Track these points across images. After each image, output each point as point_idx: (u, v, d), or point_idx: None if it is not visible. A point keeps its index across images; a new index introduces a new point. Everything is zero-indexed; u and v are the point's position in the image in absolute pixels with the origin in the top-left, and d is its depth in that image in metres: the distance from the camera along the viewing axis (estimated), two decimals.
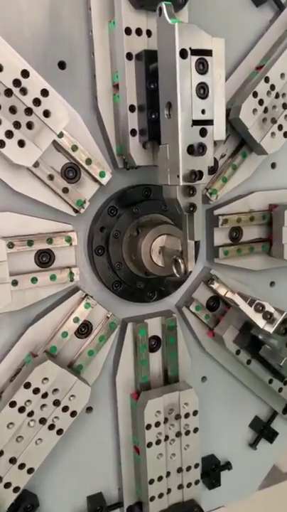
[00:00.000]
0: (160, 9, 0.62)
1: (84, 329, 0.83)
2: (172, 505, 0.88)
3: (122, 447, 0.90)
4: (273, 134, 0.86)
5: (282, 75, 0.84)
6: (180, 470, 0.88)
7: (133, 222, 0.83)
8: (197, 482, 0.90)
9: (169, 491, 0.88)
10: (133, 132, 0.73)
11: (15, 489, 0.77)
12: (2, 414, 0.74)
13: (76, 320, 0.80)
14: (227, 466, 1.03)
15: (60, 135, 0.73)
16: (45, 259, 0.78)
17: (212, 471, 1.00)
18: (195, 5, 0.76)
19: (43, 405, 0.76)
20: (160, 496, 0.86)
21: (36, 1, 0.72)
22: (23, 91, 0.67)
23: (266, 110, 0.83)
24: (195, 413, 0.87)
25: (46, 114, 0.69)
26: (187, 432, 0.87)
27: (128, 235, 0.83)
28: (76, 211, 0.78)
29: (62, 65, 0.76)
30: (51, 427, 0.77)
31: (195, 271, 0.93)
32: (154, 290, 0.88)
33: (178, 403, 0.85)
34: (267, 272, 0.99)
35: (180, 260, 0.70)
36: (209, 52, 0.62)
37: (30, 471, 0.77)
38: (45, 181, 0.75)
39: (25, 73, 0.67)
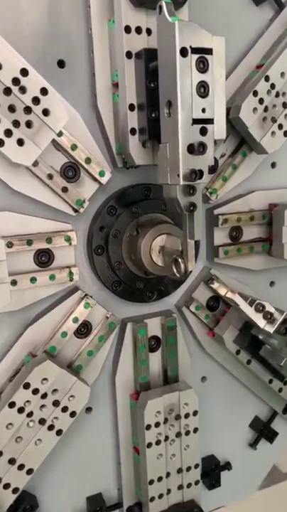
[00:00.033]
0: (160, 7, 0.61)
1: (84, 329, 0.82)
2: (172, 505, 0.88)
3: (122, 448, 0.89)
4: (273, 133, 0.85)
5: (282, 74, 0.84)
6: (180, 470, 0.88)
7: (132, 222, 0.82)
8: (197, 482, 0.90)
9: (169, 491, 0.87)
10: (132, 131, 0.73)
11: (15, 490, 0.76)
12: (1, 415, 0.73)
13: (75, 320, 0.80)
14: (227, 466, 1.03)
15: (60, 134, 0.73)
16: (44, 258, 0.78)
17: (212, 471, 1.00)
18: (194, 3, 0.75)
19: (43, 406, 0.76)
20: (160, 496, 0.86)
21: None
22: (22, 89, 0.67)
23: (266, 109, 0.83)
24: (195, 413, 0.87)
25: (45, 112, 0.69)
26: (187, 432, 0.87)
27: (127, 234, 0.82)
28: (75, 210, 0.78)
29: (61, 64, 0.76)
30: (50, 427, 0.77)
31: (194, 270, 0.93)
32: (154, 290, 0.88)
33: (178, 403, 0.85)
34: (267, 272, 0.99)
35: (180, 260, 0.70)
36: (209, 51, 0.61)
37: (29, 471, 0.77)
38: (44, 180, 0.74)
39: (24, 72, 0.66)
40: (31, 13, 0.72)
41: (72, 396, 0.77)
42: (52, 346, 0.79)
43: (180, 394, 0.85)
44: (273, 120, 0.85)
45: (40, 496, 0.85)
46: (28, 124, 0.68)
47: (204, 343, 0.94)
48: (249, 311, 0.81)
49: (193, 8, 0.75)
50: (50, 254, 0.78)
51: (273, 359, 0.86)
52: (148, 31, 0.72)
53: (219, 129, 0.66)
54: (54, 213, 0.78)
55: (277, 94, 0.84)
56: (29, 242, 0.75)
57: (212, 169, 0.87)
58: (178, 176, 0.63)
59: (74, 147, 0.75)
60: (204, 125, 0.63)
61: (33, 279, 0.76)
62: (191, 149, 0.62)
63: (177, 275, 0.71)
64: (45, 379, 0.75)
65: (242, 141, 0.88)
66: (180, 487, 0.88)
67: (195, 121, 0.62)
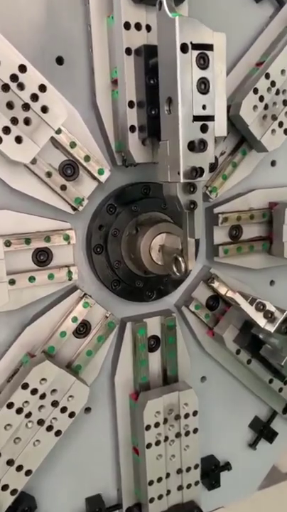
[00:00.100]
0: (160, 3, 0.61)
1: (83, 329, 0.82)
2: (171, 506, 0.87)
3: (121, 448, 0.89)
4: (273, 131, 0.85)
5: (282, 72, 0.83)
6: (179, 471, 0.87)
7: (132, 221, 0.82)
8: (196, 483, 0.89)
9: (168, 492, 0.87)
10: (132, 129, 0.72)
11: (13, 492, 0.76)
12: None
13: (74, 319, 0.79)
14: (227, 466, 1.02)
15: (58, 131, 0.72)
16: (42, 257, 0.77)
17: (212, 471, 0.99)
18: (194, 0, 0.75)
19: (41, 406, 0.75)
20: (160, 497, 0.86)
21: None
22: (21, 86, 0.66)
23: (266, 107, 0.83)
24: (195, 413, 0.86)
25: (44, 109, 0.68)
26: (187, 433, 0.86)
27: (127, 233, 0.82)
28: (74, 209, 0.77)
29: (60, 61, 0.75)
30: (49, 428, 0.76)
31: (194, 270, 0.92)
32: (153, 289, 0.87)
33: (178, 403, 0.84)
34: (267, 271, 0.98)
35: (180, 258, 0.69)
36: (210, 47, 0.61)
37: (27, 473, 0.76)
38: (42, 178, 0.74)
39: (22, 68, 0.65)
40: (29, 9, 0.71)
41: (71, 396, 0.77)
42: (50, 346, 0.78)
43: (179, 394, 0.84)
44: (274, 118, 0.84)
45: (38, 497, 0.84)
46: (27, 121, 0.67)
47: (204, 343, 0.93)
48: (250, 310, 0.81)
49: (193, 5, 0.75)
50: (49, 253, 0.78)
51: (273, 358, 0.85)
52: (148, 28, 0.71)
53: (219, 126, 0.65)
54: (52, 212, 0.77)
55: (277, 92, 0.83)
56: (27, 241, 0.74)
57: (212, 167, 0.86)
58: (179, 173, 0.62)
59: (73, 145, 0.74)
60: (205, 122, 0.62)
61: (32, 279, 0.75)
62: (191, 146, 0.62)
63: (177, 274, 0.71)
64: (43, 379, 0.74)
65: (242, 139, 0.88)
66: (180, 488, 0.88)
67: (196, 118, 0.62)
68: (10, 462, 0.74)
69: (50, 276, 0.77)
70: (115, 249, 0.81)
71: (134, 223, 0.82)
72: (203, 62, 0.61)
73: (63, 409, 0.77)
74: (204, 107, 0.62)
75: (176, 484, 0.87)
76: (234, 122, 0.84)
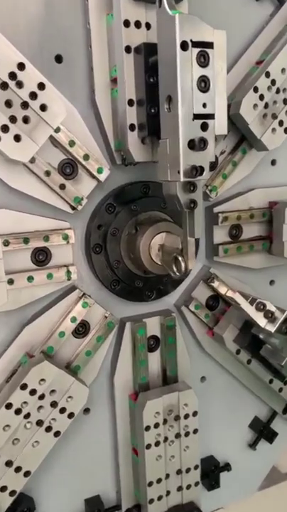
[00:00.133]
0: (160, 1, 0.60)
1: (82, 329, 0.81)
2: (171, 507, 0.87)
3: (120, 449, 0.88)
4: (273, 129, 0.84)
5: (283, 70, 0.83)
6: (179, 472, 0.87)
7: (131, 220, 0.81)
8: (196, 484, 0.89)
9: (168, 493, 0.86)
10: (131, 127, 0.72)
11: (12, 493, 0.75)
12: None
13: (73, 320, 0.79)
14: (227, 467, 1.02)
15: (57, 130, 0.72)
16: (41, 257, 0.77)
17: (212, 472, 0.99)
18: None
19: (40, 407, 0.75)
20: (159, 498, 0.85)
21: None
22: (19, 84, 0.65)
23: (266, 105, 0.82)
24: (195, 414, 0.86)
25: (43, 108, 0.67)
26: (187, 433, 0.86)
27: (126, 232, 0.81)
28: (73, 208, 0.77)
29: (58, 59, 0.74)
30: (48, 429, 0.76)
31: (194, 269, 0.92)
32: (153, 289, 0.87)
33: (178, 404, 0.84)
34: (267, 270, 0.98)
35: (180, 258, 0.69)
36: (210, 45, 0.60)
37: (26, 474, 0.76)
38: (41, 177, 0.73)
39: (21, 66, 0.65)
40: (28, 6, 0.71)
41: (70, 397, 0.76)
42: (49, 346, 0.78)
43: (179, 394, 0.84)
44: (274, 117, 0.84)
45: (37, 498, 0.83)
46: (25, 120, 0.67)
47: (204, 343, 0.93)
48: (250, 310, 0.80)
49: (193, 3, 0.74)
50: (48, 253, 0.77)
51: (273, 359, 0.85)
52: (147, 25, 0.71)
53: (220, 124, 0.65)
54: (51, 211, 0.76)
55: (277, 91, 0.83)
56: (26, 241, 0.74)
57: (212, 166, 0.86)
58: (178, 172, 0.62)
59: (72, 143, 0.74)
60: (205, 120, 0.62)
61: (30, 278, 0.75)
62: (192, 145, 0.61)
63: (177, 274, 0.70)
64: (42, 380, 0.74)
65: (242, 137, 0.87)
66: (180, 488, 0.88)
67: (196, 117, 0.61)
68: (8, 463, 0.74)
69: (49, 276, 0.76)
70: (114, 248, 0.81)
71: (134, 222, 0.81)
72: (203, 60, 0.60)
73: (62, 410, 0.76)
74: (204, 105, 0.61)
75: (176, 485, 0.87)
76: (234, 121, 0.83)
